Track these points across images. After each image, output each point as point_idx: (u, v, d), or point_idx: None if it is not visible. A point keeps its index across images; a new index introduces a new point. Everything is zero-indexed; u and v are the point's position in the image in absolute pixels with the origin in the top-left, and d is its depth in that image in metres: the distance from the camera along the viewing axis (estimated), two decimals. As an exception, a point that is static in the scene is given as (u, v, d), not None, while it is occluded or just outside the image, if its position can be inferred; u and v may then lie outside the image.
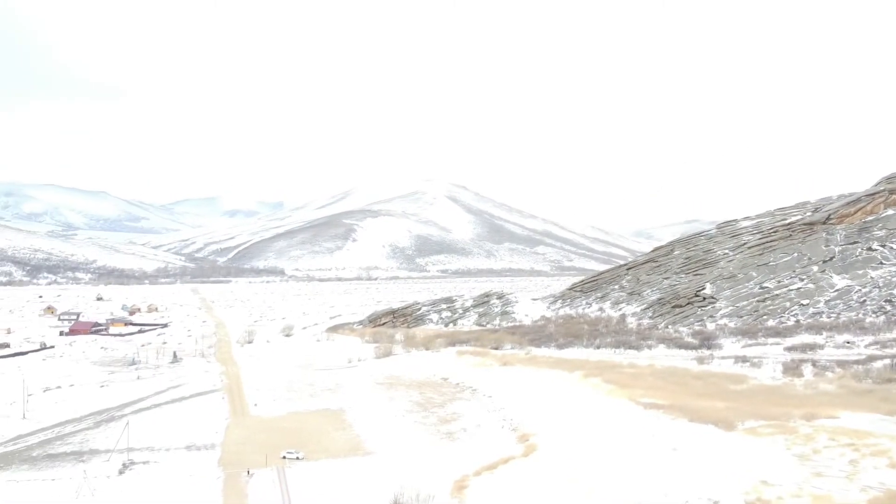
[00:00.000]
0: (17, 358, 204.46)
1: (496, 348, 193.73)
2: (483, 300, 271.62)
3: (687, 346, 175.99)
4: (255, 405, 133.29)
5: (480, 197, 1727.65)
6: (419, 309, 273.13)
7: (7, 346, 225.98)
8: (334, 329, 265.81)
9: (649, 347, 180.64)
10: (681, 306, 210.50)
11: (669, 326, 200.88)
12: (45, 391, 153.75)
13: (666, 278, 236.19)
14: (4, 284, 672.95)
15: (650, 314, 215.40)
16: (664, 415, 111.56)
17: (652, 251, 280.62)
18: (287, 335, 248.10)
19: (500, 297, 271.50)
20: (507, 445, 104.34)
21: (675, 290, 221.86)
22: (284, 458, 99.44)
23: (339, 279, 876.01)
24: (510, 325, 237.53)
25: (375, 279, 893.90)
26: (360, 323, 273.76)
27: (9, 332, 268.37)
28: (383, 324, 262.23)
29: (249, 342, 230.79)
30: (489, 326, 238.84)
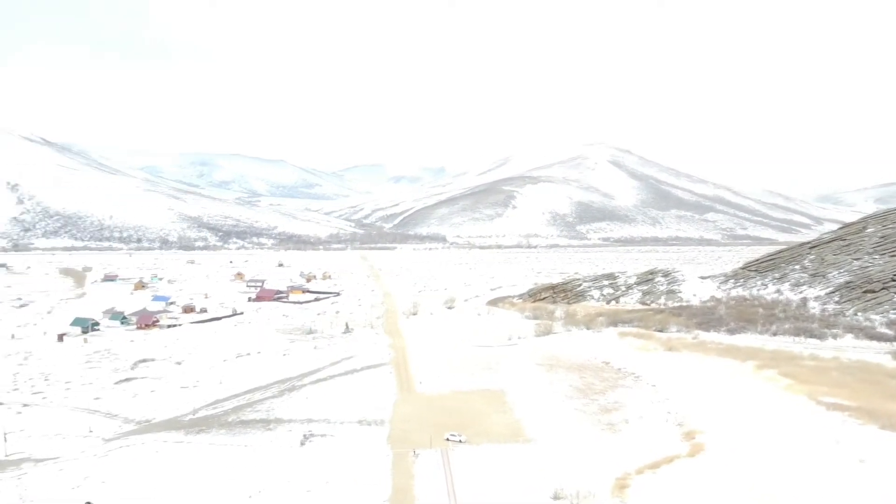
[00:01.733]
0: (213, 323, 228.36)
1: (660, 331, 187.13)
2: (647, 277, 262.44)
3: (880, 338, 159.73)
4: (420, 383, 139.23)
5: (645, 161, 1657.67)
6: (580, 285, 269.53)
7: (205, 311, 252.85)
8: (494, 302, 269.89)
9: (834, 337, 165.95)
10: (874, 291, 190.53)
11: (859, 314, 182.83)
12: (237, 357, 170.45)
13: (856, 259, 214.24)
14: (201, 249, 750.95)
15: (836, 299, 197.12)
16: (850, 418, 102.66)
17: (840, 228, 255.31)
18: (449, 307, 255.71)
19: (666, 274, 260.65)
20: (672, 442, 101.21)
21: (866, 273, 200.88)
22: (448, 440, 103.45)
23: (499, 246, 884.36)
24: (676, 305, 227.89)
25: (535, 247, 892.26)
26: (520, 297, 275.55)
27: (206, 296, 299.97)
28: (543, 298, 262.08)
29: (414, 314, 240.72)
30: (653, 306, 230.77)
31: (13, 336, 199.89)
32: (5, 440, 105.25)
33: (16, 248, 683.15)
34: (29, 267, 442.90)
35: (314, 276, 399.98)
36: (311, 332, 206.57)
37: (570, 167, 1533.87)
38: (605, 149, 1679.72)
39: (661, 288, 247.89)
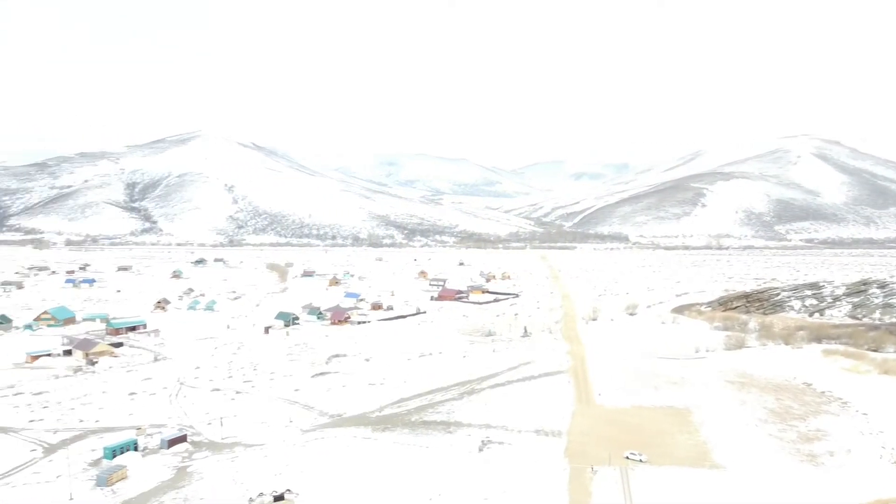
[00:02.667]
0: (398, 321, 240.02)
1: (874, 350, 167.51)
2: (859, 288, 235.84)
3: None
4: (600, 394, 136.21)
5: (858, 153, 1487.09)
6: (777, 294, 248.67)
7: (391, 308, 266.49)
8: (680, 310, 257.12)
9: None
10: None
11: None
12: (419, 356, 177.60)
13: None
14: (388, 246, 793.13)
15: None
16: None
17: None
18: (631, 314, 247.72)
19: (883, 285, 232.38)
20: (888, 482, 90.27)
21: None
22: (627, 458, 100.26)
23: (686, 248, 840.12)
24: (894, 321, 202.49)
25: (726, 248, 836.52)
26: (708, 305, 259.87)
27: (392, 294, 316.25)
28: (734, 308, 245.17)
29: (594, 319, 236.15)
30: (866, 321, 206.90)
31: (228, 327, 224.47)
32: (222, 424, 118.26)
33: (231, 243, 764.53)
34: (241, 262, 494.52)
35: (493, 276, 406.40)
36: (489, 334, 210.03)
37: (768, 161, 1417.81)
38: (808, 141, 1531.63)
39: (876, 301, 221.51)
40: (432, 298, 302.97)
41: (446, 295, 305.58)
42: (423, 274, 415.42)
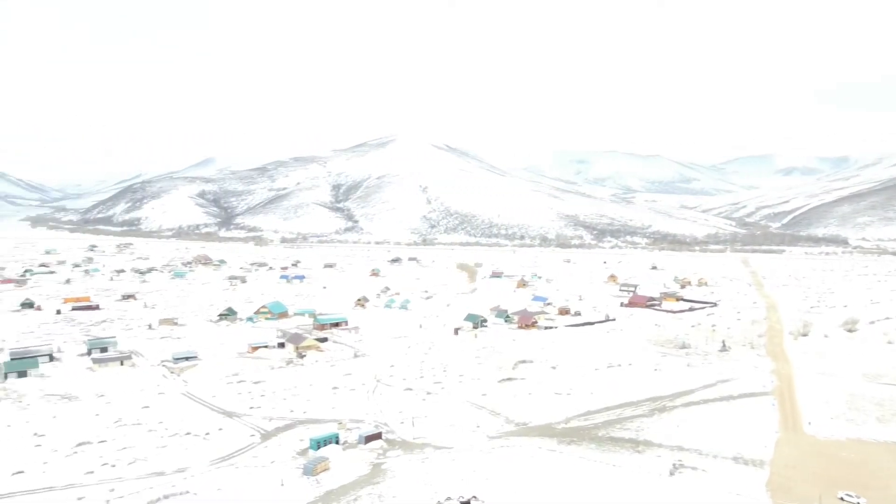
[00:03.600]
0: (586, 328, 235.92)
1: None
2: None
3: None
4: (809, 423, 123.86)
5: None
6: None
7: (579, 314, 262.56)
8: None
9: None
10: None
11: None
12: (607, 367, 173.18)
13: None
14: (577, 247, 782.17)
15: None
16: None
17: None
18: (850, 330, 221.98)
19: None
20: None
21: None
22: (842, 500, 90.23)
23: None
24: None
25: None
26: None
27: (580, 298, 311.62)
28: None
29: (804, 335, 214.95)
30: None
31: (421, 326, 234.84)
32: (413, 425, 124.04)
33: (424, 242, 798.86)
34: (433, 261, 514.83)
35: (689, 282, 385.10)
36: (683, 346, 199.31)
37: None
38: None
39: None
40: (622, 305, 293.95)
41: (637, 301, 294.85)
42: (612, 278, 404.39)
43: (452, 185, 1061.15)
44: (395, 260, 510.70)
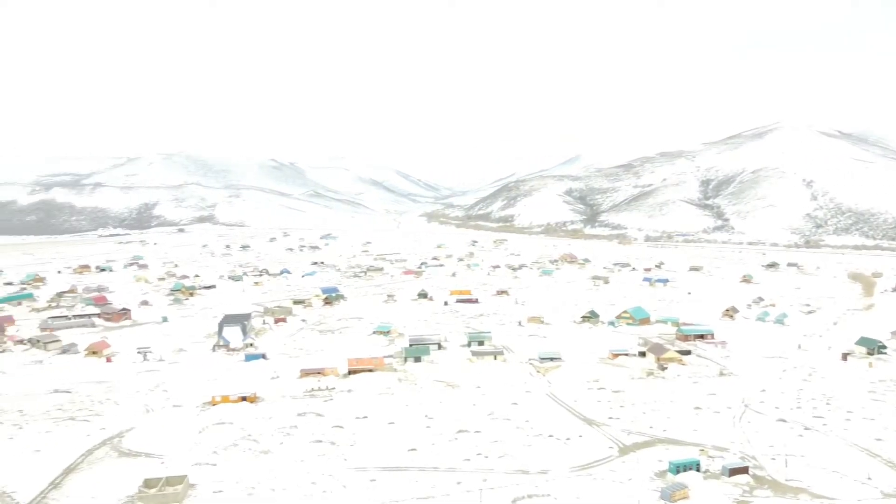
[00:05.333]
0: None
1: None
2: None
3: None
4: None
5: None
6: None
7: None
8: None
9: None
10: None
11: None
12: None
13: None
14: None
15: None
16: None
17: None
18: None
19: None
20: None
21: None
22: None
23: None
24: None
25: None
26: None
27: None
28: None
29: None
30: None
31: (799, 346, 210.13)
32: (786, 464, 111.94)
33: (807, 244, 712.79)
34: (818, 267, 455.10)
35: None
36: None
37: None
38: None
39: None
40: None
41: None
42: None
43: (845, 178, 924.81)
44: (771, 265, 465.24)
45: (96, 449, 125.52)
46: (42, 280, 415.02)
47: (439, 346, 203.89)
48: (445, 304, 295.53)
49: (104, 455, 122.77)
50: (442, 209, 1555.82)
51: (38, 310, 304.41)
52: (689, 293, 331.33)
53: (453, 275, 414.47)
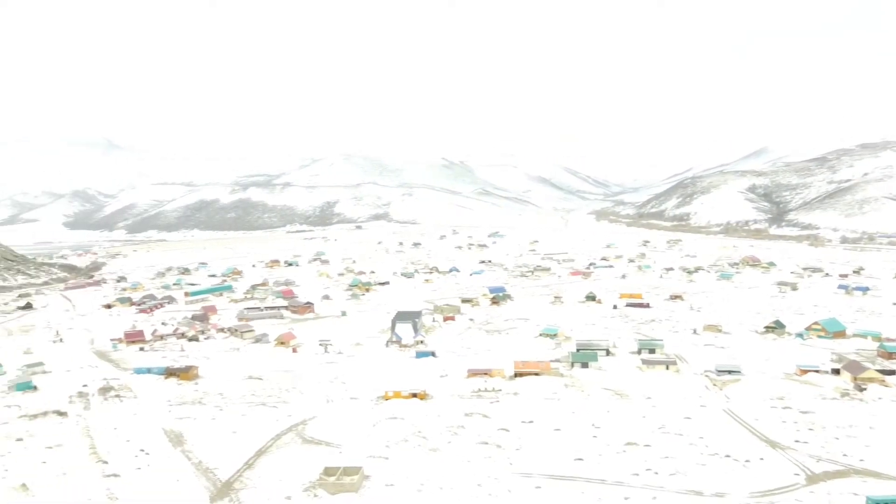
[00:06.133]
0: None
1: None
2: None
3: None
4: None
5: None
6: None
7: None
8: None
9: None
10: None
11: None
12: None
13: None
14: None
15: None
16: None
17: None
18: None
19: None
20: None
21: None
22: None
23: None
24: None
25: None
26: None
27: None
28: None
29: None
30: None
31: None
32: None
33: None
34: None
35: None
36: None
37: None
38: None
39: None
40: None
41: None
42: None
43: None
44: None
45: (283, 434, 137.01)
46: (239, 273, 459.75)
47: (607, 352, 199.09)
48: (614, 307, 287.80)
49: (290, 440, 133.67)
50: (611, 207, 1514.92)
51: (235, 301, 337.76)
52: (895, 303, 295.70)
53: (623, 276, 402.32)
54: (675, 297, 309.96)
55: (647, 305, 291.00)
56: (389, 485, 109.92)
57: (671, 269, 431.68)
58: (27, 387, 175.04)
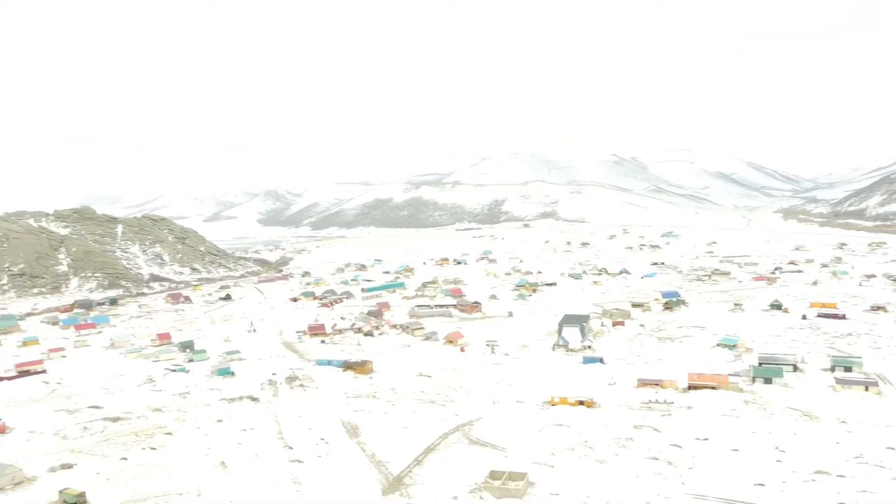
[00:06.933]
0: None
1: None
2: None
3: None
4: None
5: None
6: None
7: None
8: None
9: None
10: None
11: None
12: None
13: None
14: None
15: None
16: None
17: None
18: None
19: None
20: None
21: None
22: None
23: None
24: None
25: None
26: None
27: None
28: None
29: None
30: None
31: None
32: None
33: None
34: None
35: None
36: None
37: None
38: None
39: None
40: None
41: None
42: None
43: None
44: None
45: (451, 433, 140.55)
46: (411, 270, 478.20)
47: (795, 368, 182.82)
48: (804, 317, 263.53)
49: (457, 440, 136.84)
50: (802, 204, 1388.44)
51: (407, 297, 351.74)
52: None
53: (815, 283, 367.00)
54: (877, 309, 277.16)
55: (843, 317, 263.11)
56: (555, 494, 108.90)
57: (873, 275, 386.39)
58: (226, 372, 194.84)
